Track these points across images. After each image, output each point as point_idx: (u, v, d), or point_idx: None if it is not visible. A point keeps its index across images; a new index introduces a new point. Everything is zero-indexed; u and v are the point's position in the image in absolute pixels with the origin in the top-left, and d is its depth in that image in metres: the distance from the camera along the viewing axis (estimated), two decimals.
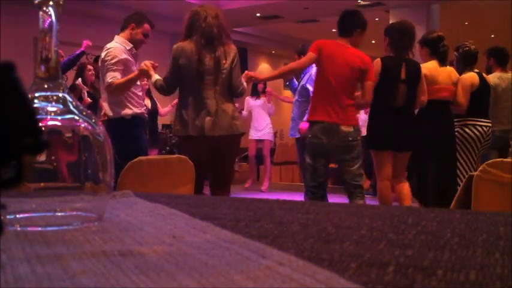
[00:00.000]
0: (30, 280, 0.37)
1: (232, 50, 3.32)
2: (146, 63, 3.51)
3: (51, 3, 0.59)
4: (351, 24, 3.75)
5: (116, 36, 3.76)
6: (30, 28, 7.46)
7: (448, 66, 4.27)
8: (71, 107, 0.60)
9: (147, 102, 6.36)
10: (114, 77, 3.53)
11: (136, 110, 3.71)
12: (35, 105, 0.58)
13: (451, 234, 0.56)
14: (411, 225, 0.62)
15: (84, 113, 0.61)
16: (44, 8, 0.59)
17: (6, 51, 7.03)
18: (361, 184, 3.77)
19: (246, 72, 3.70)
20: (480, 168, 1.84)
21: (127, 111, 3.66)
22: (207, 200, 0.87)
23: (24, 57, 6.64)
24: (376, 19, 9.96)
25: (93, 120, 0.62)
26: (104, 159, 0.61)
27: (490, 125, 4.47)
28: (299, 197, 5.67)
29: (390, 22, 8.86)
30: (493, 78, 4.82)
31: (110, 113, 3.66)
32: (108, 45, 3.65)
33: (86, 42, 5.90)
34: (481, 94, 4.47)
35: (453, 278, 0.38)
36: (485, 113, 4.51)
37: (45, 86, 0.60)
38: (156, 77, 3.48)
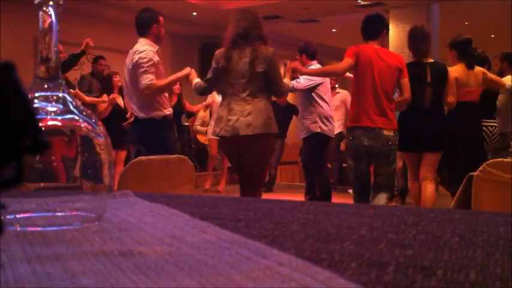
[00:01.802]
0: (30, 280, 0.37)
1: (267, 51, 3.39)
2: (192, 71, 3.76)
3: (51, 3, 0.59)
4: (378, 27, 3.84)
5: (142, 40, 3.73)
6: (30, 28, 7.46)
7: (476, 68, 4.42)
8: (71, 107, 0.60)
9: (120, 101, 6.32)
10: (151, 79, 3.58)
11: (166, 112, 3.76)
12: (35, 105, 0.58)
13: (451, 234, 0.56)
14: (411, 225, 0.62)
15: (84, 113, 0.61)
16: (44, 8, 0.59)
17: (6, 51, 7.03)
18: (393, 185, 3.90)
19: (289, 62, 3.82)
20: (480, 168, 1.85)
21: (158, 113, 3.70)
22: (207, 200, 0.87)
23: (24, 57, 6.64)
24: None
25: (93, 120, 0.62)
26: (104, 159, 0.61)
27: (496, 125, 4.69)
28: (299, 197, 5.67)
29: (390, 22, 8.89)
30: (507, 81, 5.00)
31: (141, 114, 3.68)
32: (140, 48, 3.65)
33: (87, 41, 5.86)
34: (490, 96, 4.69)
35: (453, 278, 0.38)
36: (492, 114, 4.74)
37: (45, 86, 0.60)
38: (196, 79, 3.68)
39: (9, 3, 7.57)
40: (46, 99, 0.59)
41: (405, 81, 3.73)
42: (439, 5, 8.96)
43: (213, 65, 3.47)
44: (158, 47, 3.75)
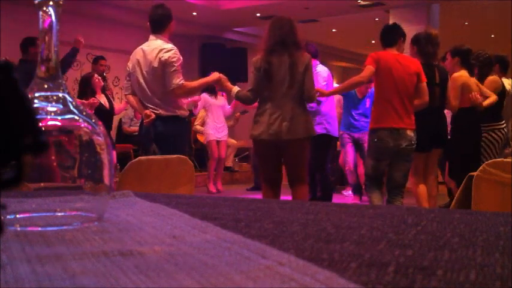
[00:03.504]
0: (30, 280, 0.37)
1: (304, 57, 3.50)
2: (222, 77, 3.77)
3: (51, 3, 0.59)
4: (395, 34, 4.06)
5: (161, 36, 3.68)
6: (30, 28, 7.45)
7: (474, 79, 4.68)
8: (71, 107, 0.60)
9: (104, 100, 6.23)
10: (182, 79, 3.58)
11: (186, 112, 3.77)
12: (35, 105, 0.58)
13: (451, 234, 0.56)
14: (411, 225, 0.62)
15: (84, 113, 0.61)
16: (44, 8, 0.59)
17: (6, 51, 7.02)
18: (406, 183, 4.05)
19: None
20: (480, 168, 1.85)
21: (182, 112, 3.70)
22: (207, 200, 0.87)
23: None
24: (376, 19, 9.95)
25: (93, 120, 0.62)
26: (104, 159, 0.61)
27: (505, 125, 4.92)
28: None
29: (390, 22, 8.88)
30: (506, 84, 5.19)
31: (164, 112, 3.64)
32: (167, 46, 3.61)
33: (78, 39, 5.71)
34: (502, 98, 4.92)
35: (453, 278, 0.38)
36: (501, 116, 4.94)
37: (45, 86, 0.60)
38: (236, 88, 3.75)
39: (9, 3, 7.57)
40: (46, 99, 0.59)
41: (424, 85, 3.94)
42: (439, 5, 8.96)
43: (255, 72, 3.54)
44: None
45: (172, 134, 3.64)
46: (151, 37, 3.72)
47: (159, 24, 3.70)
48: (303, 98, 3.52)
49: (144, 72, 3.64)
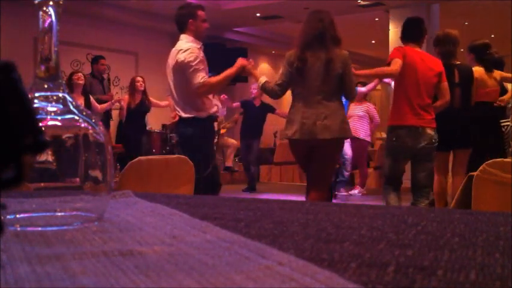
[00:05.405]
0: (30, 280, 0.37)
1: (342, 53, 3.37)
2: (248, 63, 3.62)
3: (51, 3, 0.59)
4: (422, 31, 3.95)
5: (184, 36, 3.62)
6: (30, 28, 7.46)
7: (495, 71, 4.68)
8: (71, 107, 0.60)
9: (81, 101, 6.02)
10: (203, 76, 3.49)
11: (210, 111, 3.68)
12: (35, 105, 0.58)
13: (451, 234, 0.56)
14: (411, 225, 0.62)
15: (84, 113, 0.61)
16: (44, 8, 0.59)
17: (6, 51, 7.03)
18: (432, 184, 4.02)
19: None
20: (480, 168, 1.85)
21: (201, 113, 3.61)
22: (207, 200, 0.87)
23: (24, 57, 6.64)
24: (376, 19, 9.95)
25: (93, 120, 0.62)
26: (103, 159, 0.61)
27: (508, 123, 4.99)
28: (299, 197, 5.67)
29: (390, 22, 8.88)
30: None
31: (185, 115, 3.59)
32: (184, 46, 3.53)
33: None
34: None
35: (453, 278, 0.38)
36: (506, 114, 4.99)
37: (45, 86, 0.60)
38: (263, 78, 3.59)
39: (9, 3, 7.57)
40: (46, 99, 0.59)
41: (445, 85, 3.87)
42: (439, 5, 8.96)
43: (286, 67, 3.42)
44: (201, 44, 3.63)
45: (192, 135, 3.56)
46: (179, 37, 3.68)
47: (178, 24, 3.66)
48: (338, 96, 3.36)
49: (171, 74, 3.62)
